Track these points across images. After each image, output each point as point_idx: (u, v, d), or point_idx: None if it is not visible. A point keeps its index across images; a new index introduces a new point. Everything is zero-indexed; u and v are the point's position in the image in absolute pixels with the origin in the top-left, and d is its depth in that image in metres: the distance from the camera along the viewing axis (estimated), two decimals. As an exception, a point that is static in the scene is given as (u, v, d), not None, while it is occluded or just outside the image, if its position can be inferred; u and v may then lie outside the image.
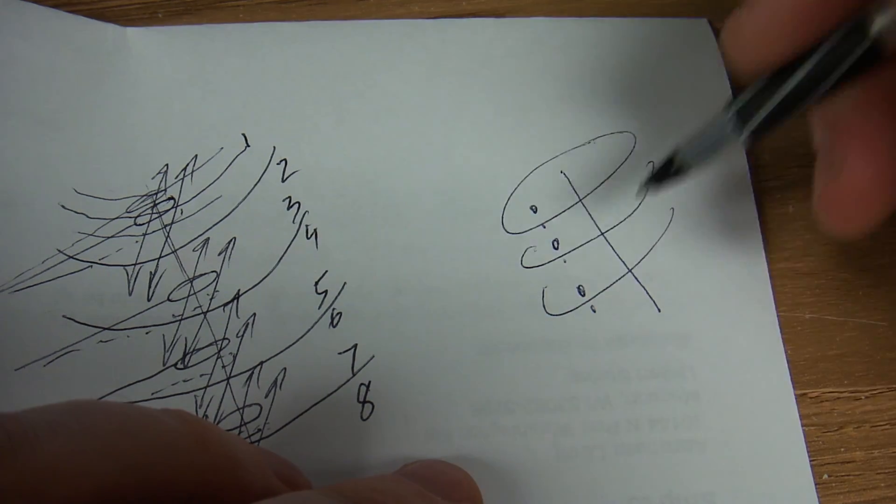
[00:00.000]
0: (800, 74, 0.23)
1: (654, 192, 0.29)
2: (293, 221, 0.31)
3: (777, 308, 0.31)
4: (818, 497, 0.28)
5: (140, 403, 0.29)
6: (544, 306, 0.30)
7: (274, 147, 0.32)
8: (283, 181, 0.32)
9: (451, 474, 0.26)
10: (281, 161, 0.32)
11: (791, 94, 0.24)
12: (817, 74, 0.23)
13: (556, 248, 0.31)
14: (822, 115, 0.25)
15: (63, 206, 0.31)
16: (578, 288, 0.31)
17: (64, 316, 0.30)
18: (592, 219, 0.32)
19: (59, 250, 0.31)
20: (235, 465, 0.22)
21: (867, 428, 0.30)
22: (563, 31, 0.35)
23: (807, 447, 0.29)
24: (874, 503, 0.29)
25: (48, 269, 0.31)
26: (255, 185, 0.32)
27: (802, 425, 0.29)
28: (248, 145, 0.32)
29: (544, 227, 0.31)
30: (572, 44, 0.34)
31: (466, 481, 0.26)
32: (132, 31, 0.34)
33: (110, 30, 0.34)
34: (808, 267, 0.32)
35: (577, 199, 0.32)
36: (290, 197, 0.32)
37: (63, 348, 0.30)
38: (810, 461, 0.29)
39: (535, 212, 0.32)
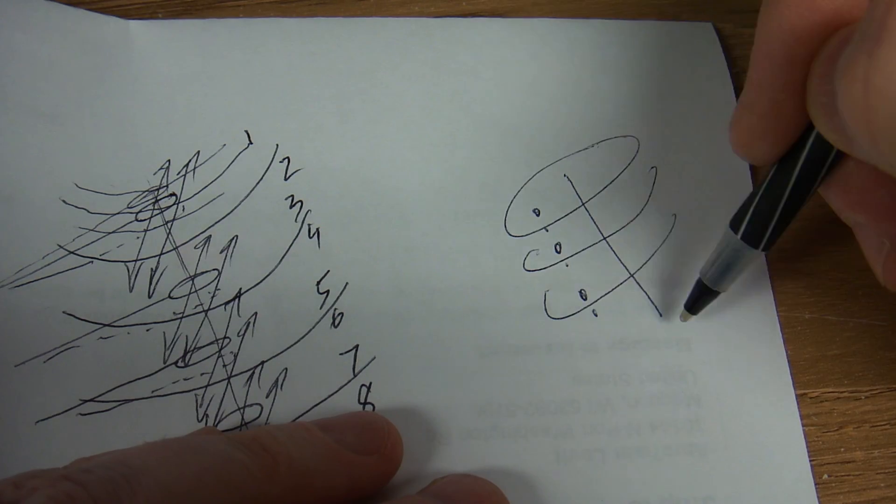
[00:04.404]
0: (794, 177, 0.24)
1: (691, 316, 0.30)
2: (295, 220, 0.31)
3: (777, 309, 0.31)
4: (818, 499, 0.28)
5: (140, 402, 0.29)
6: (546, 310, 0.30)
7: (277, 145, 0.32)
8: (285, 179, 0.32)
9: (479, 489, 0.26)
10: (284, 159, 0.32)
11: (791, 198, 0.24)
12: (809, 172, 0.24)
13: (559, 252, 0.31)
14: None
15: (64, 201, 0.31)
16: (580, 292, 0.31)
17: (64, 312, 0.30)
18: (595, 223, 0.32)
19: (59, 245, 0.31)
20: (308, 479, 0.23)
21: (867, 428, 0.30)
22: (568, 32, 0.35)
23: (807, 447, 0.29)
24: (874, 503, 0.29)
25: (48, 264, 0.30)
26: (258, 182, 0.32)
27: (802, 426, 0.29)
28: (251, 142, 0.32)
29: (547, 231, 0.31)
30: (577, 46, 0.34)
31: (496, 496, 0.26)
32: (135, 25, 0.34)
33: (113, 23, 0.34)
34: (808, 267, 0.32)
35: (580, 203, 0.32)
36: (292, 196, 0.32)
37: (63, 344, 0.30)
38: (810, 461, 0.29)
39: (537, 215, 0.32)
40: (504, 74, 0.34)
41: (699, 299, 0.29)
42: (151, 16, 0.34)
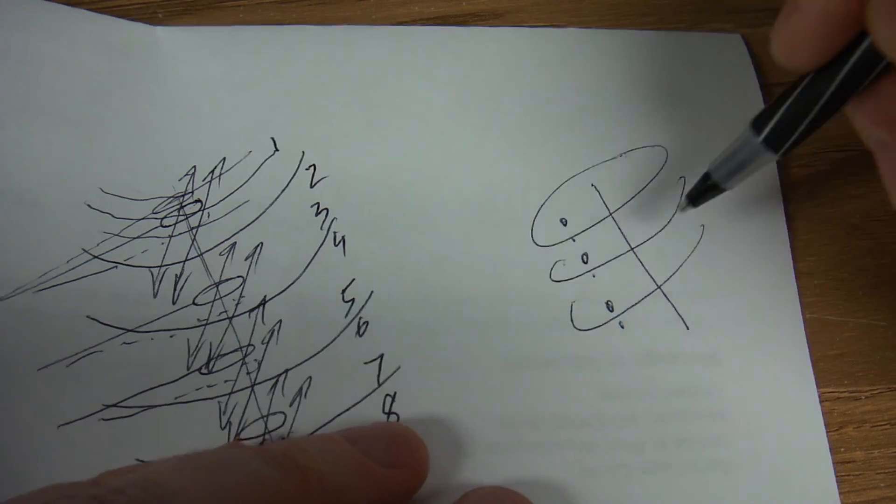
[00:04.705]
0: (833, 86, 0.23)
1: (691, 207, 0.29)
2: (321, 228, 0.31)
3: (805, 323, 0.31)
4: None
5: (163, 408, 0.29)
6: (572, 321, 0.30)
7: (303, 152, 0.32)
8: (311, 187, 0.32)
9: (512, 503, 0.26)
10: (310, 166, 0.32)
11: (823, 109, 0.24)
12: (849, 83, 0.23)
13: (586, 263, 0.31)
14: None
15: (89, 206, 0.31)
16: (607, 303, 0.30)
17: (88, 316, 0.30)
18: (622, 233, 0.31)
19: (83, 250, 0.31)
20: (339, 494, 0.23)
21: (867, 428, 0.30)
22: (596, 42, 0.35)
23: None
24: (874, 503, 0.29)
25: (72, 268, 0.30)
26: (284, 190, 0.32)
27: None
28: (277, 149, 0.32)
29: (574, 241, 0.31)
30: (604, 55, 0.34)
31: None
32: (161, 30, 0.34)
33: (139, 29, 0.34)
34: (808, 267, 0.32)
35: (608, 213, 0.32)
36: (318, 203, 0.31)
37: (86, 349, 0.29)
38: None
39: (564, 225, 0.31)
40: (531, 84, 0.34)
41: (704, 193, 0.28)
42: (151, 15, 0.34)
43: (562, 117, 0.33)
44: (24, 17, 0.33)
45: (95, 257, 0.30)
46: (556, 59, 0.34)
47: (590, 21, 0.35)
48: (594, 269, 0.31)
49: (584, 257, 0.31)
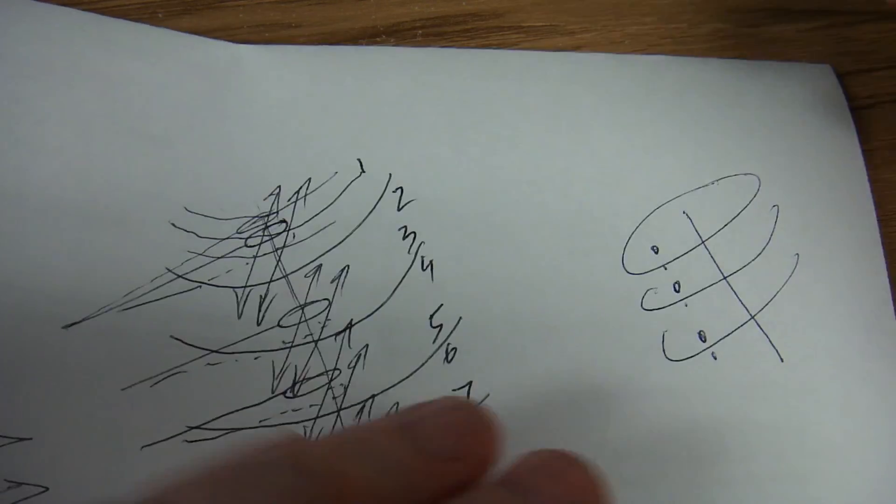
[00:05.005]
0: None
1: None
2: (408, 252, 0.31)
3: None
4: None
5: (247, 431, 0.29)
6: (664, 351, 0.30)
7: (390, 174, 0.32)
8: (398, 210, 0.31)
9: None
10: (397, 189, 0.32)
11: None
12: None
13: (678, 291, 0.30)
14: None
15: (173, 225, 0.31)
16: (699, 333, 0.30)
17: (172, 336, 0.29)
18: (715, 262, 0.31)
19: (168, 269, 0.30)
20: (386, 499, 0.20)
21: None
22: (683, 71, 0.34)
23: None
24: None
25: (157, 287, 0.30)
26: (370, 212, 0.31)
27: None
28: (364, 171, 0.32)
29: (665, 269, 0.31)
30: (691, 84, 0.34)
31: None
32: (245, 49, 0.34)
33: (222, 48, 0.34)
34: None
35: (700, 241, 0.31)
36: (405, 227, 0.31)
37: (170, 369, 0.29)
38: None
39: (656, 252, 0.31)
40: (620, 110, 0.33)
41: None
42: (151, 15, 0.34)
43: (651, 144, 0.33)
44: (110, 37, 0.33)
45: (180, 276, 0.30)
46: (644, 86, 0.34)
47: (590, 20, 0.35)
48: (686, 297, 0.30)
49: (676, 286, 0.31)
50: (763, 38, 0.35)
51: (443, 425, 0.22)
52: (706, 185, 0.32)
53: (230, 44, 0.34)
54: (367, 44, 0.34)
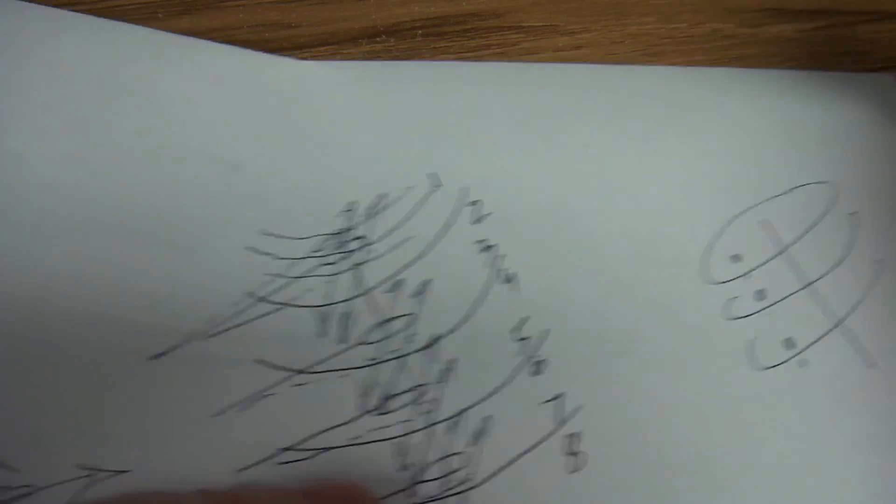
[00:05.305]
0: None
1: None
2: (489, 265, 0.31)
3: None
4: None
5: (339, 450, 0.29)
6: (751, 360, 0.30)
7: (465, 188, 0.32)
8: (476, 223, 0.31)
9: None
10: (473, 202, 0.32)
11: None
12: None
13: (761, 300, 0.31)
14: None
15: (249, 248, 0.31)
16: (786, 341, 0.30)
17: (257, 360, 0.29)
18: (797, 269, 0.31)
19: (248, 293, 0.30)
20: None
21: None
22: (751, 82, 0.34)
23: None
24: None
25: (238, 312, 0.30)
26: (448, 226, 0.31)
27: None
28: (438, 185, 0.32)
29: (747, 278, 0.31)
30: (757, 94, 0.34)
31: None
32: (310, 66, 0.34)
33: (288, 65, 0.34)
34: None
35: (780, 249, 0.31)
36: (484, 240, 0.31)
37: (258, 392, 0.29)
38: None
39: (736, 261, 0.31)
40: (690, 122, 0.33)
41: None
42: (152, 15, 0.34)
43: (725, 155, 0.33)
44: (173, 57, 0.33)
45: (261, 300, 0.30)
46: (712, 97, 0.34)
47: (590, 20, 0.35)
48: (770, 305, 0.31)
49: (759, 294, 0.31)
50: (763, 38, 0.35)
51: (338, 495, 0.26)
52: (783, 194, 0.32)
53: (295, 60, 0.34)
54: (367, 44, 0.34)
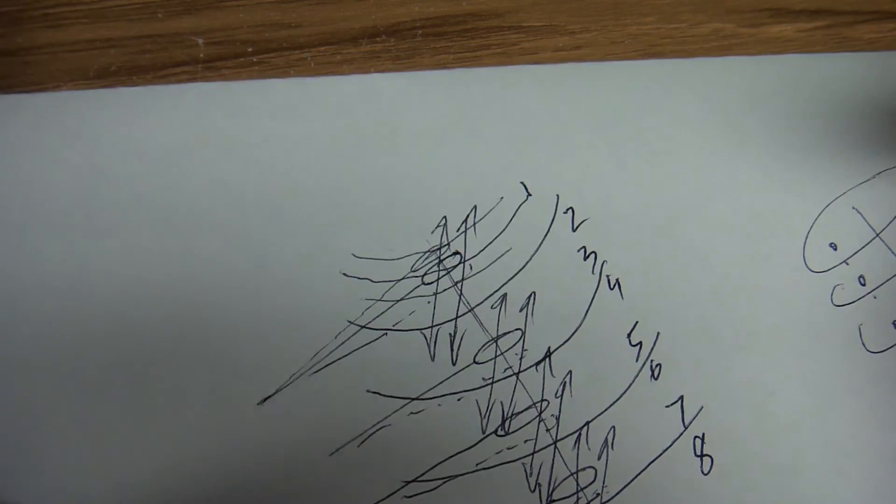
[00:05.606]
0: None
1: None
2: (592, 272, 0.30)
3: None
4: None
5: (466, 476, 0.28)
6: (864, 344, 0.30)
7: (557, 195, 0.31)
8: (573, 230, 0.31)
9: None
10: (567, 209, 0.31)
11: None
12: None
13: (864, 285, 0.31)
14: None
15: (344, 274, 0.29)
16: (894, 322, 0.30)
17: (368, 391, 0.28)
18: (893, 252, 0.31)
19: (349, 322, 0.29)
20: None
21: None
22: (818, 67, 0.34)
23: None
24: None
25: (342, 342, 0.28)
26: (546, 235, 0.30)
27: None
28: (530, 194, 0.31)
29: (847, 264, 0.31)
30: (829, 81, 0.34)
31: None
32: (377, 78, 0.32)
33: (353, 81, 0.32)
34: None
35: (875, 234, 0.32)
36: (584, 247, 0.30)
37: (373, 425, 0.28)
38: None
39: (834, 249, 0.31)
40: (771, 112, 0.33)
41: None
42: (152, 15, 0.33)
43: (809, 143, 0.33)
44: (239, 102, 0.31)
45: (363, 327, 0.29)
46: (785, 85, 0.34)
47: (590, 20, 0.35)
48: (874, 290, 0.31)
49: (861, 279, 0.31)
50: (763, 38, 0.36)
51: None
52: (870, 179, 0.32)
53: (361, 75, 0.32)
54: (367, 44, 0.33)
